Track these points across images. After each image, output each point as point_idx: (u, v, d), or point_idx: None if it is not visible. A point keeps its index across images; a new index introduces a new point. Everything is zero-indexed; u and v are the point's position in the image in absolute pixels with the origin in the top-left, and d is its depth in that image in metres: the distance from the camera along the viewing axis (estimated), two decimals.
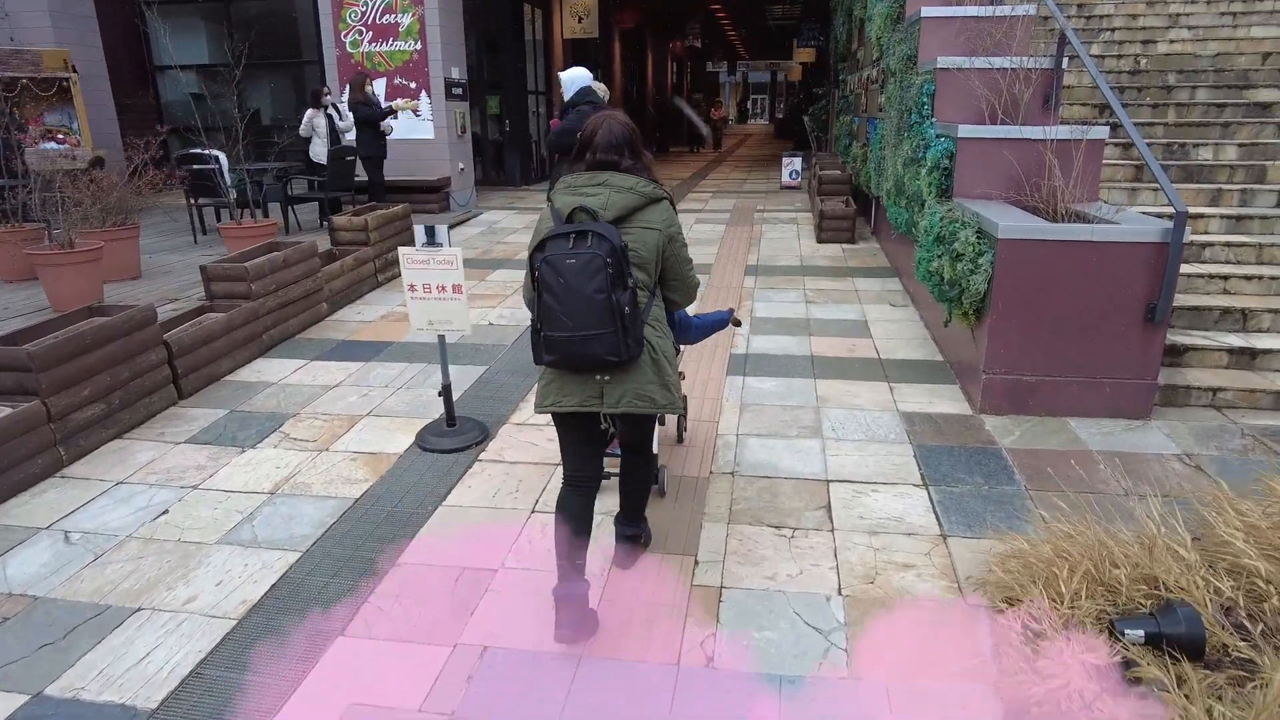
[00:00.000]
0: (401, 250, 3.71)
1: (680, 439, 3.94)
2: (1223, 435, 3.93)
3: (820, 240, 8.47)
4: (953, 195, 5.01)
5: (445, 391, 3.99)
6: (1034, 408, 4.15)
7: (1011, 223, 3.97)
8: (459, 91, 10.75)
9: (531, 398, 3.51)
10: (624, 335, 2.33)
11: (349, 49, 10.43)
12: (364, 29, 10.31)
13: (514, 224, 10.03)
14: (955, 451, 3.80)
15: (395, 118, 9.25)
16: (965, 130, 4.88)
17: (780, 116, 38.94)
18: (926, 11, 6.19)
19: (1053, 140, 4.54)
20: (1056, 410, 4.13)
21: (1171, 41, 7.64)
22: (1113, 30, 7.94)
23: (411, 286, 3.76)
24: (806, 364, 5.00)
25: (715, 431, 4.05)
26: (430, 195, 10.41)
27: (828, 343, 5.38)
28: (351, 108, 9.10)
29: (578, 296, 2.28)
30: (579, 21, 15.54)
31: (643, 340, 2.41)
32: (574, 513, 2.60)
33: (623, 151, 2.47)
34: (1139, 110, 6.66)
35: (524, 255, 6.01)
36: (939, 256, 4.61)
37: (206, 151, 7.78)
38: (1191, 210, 5.52)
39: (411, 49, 10.27)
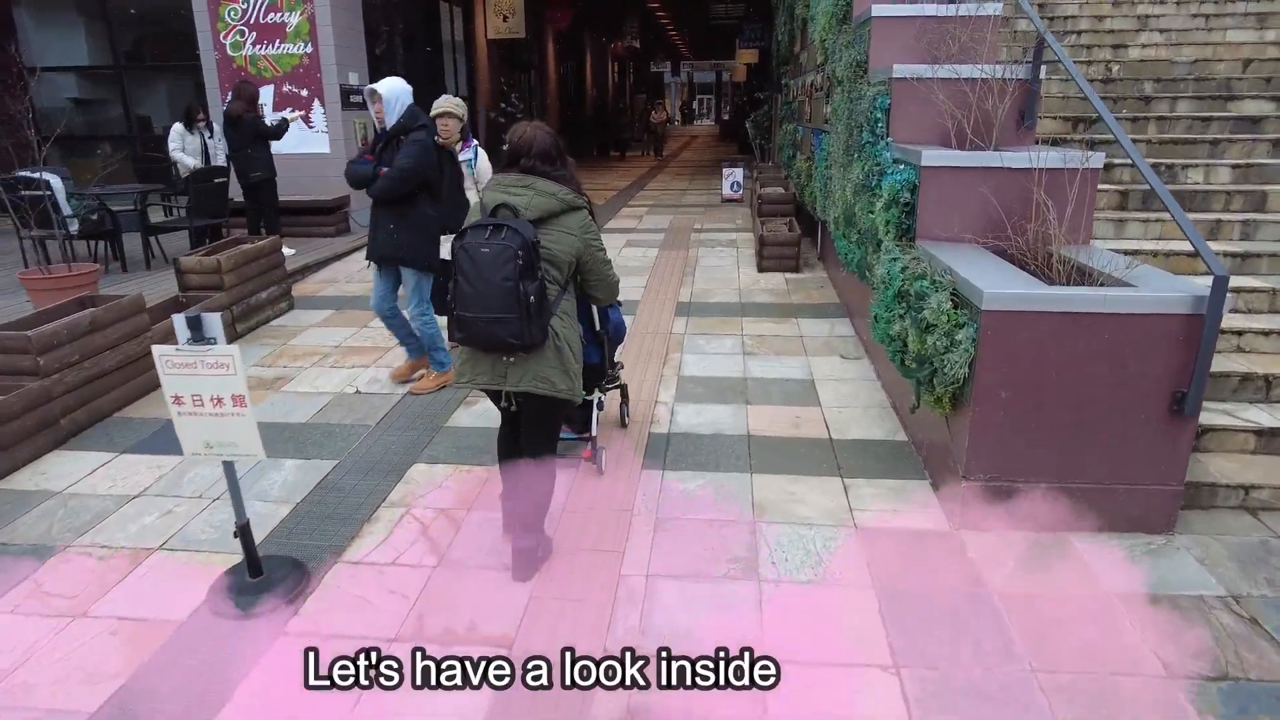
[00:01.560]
0: (156, 351, 2.59)
1: (624, 424, 4.23)
2: (1270, 560, 3.04)
3: (761, 269, 7.52)
4: (915, 236, 4.08)
5: (242, 533, 2.89)
6: (1028, 522, 3.21)
7: (999, 288, 3.03)
8: (359, 100, 9.56)
9: (385, 511, 3.43)
10: (528, 322, 2.53)
11: (229, 52, 9.17)
12: (246, 29, 9.06)
13: None
14: (932, 601, 2.83)
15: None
16: (931, 157, 3.95)
17: (725, 118, 38.19)
18: (878, 10, 5.26)
19: (1042, 170, 3.63)
20: (1056, 524, 3.20)
21: (1144, 46, 6.88)
22: (1079, 34, 7.15)
23: (176, 398, 2.65)
24: (742, 449, 4.01)
25: (619, 571, 3.03)
26: (325, 217, 9.20)
27: (768, 415, 4.40)
28: (235, 119, 7.84)
29: (488, 282, 2.49)
30: (504, 20, 14.42)
31: (548, 329, 2.64)
32: (510, 473, 2.92)
33: (551, 160, 2.71)
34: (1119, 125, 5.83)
35: None
36: (900, 317, 3.66)
37: (36, 174, 6.48)
38: (1190, 248, 4.69)
39: (302, 52, 9.05)
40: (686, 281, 7.27)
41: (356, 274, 7.80)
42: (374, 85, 4.43)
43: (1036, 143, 4.78)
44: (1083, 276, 3.30)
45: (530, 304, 2.52)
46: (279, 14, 8.96)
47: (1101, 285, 3.17)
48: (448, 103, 4.90)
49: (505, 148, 2.78)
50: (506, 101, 14.76)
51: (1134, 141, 5.60)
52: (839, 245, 5.58)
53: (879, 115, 4.76)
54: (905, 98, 4.65)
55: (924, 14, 5.11)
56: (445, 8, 13.26)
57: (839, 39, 6.26)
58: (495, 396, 2.84)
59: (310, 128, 9.27)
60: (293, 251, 8.31)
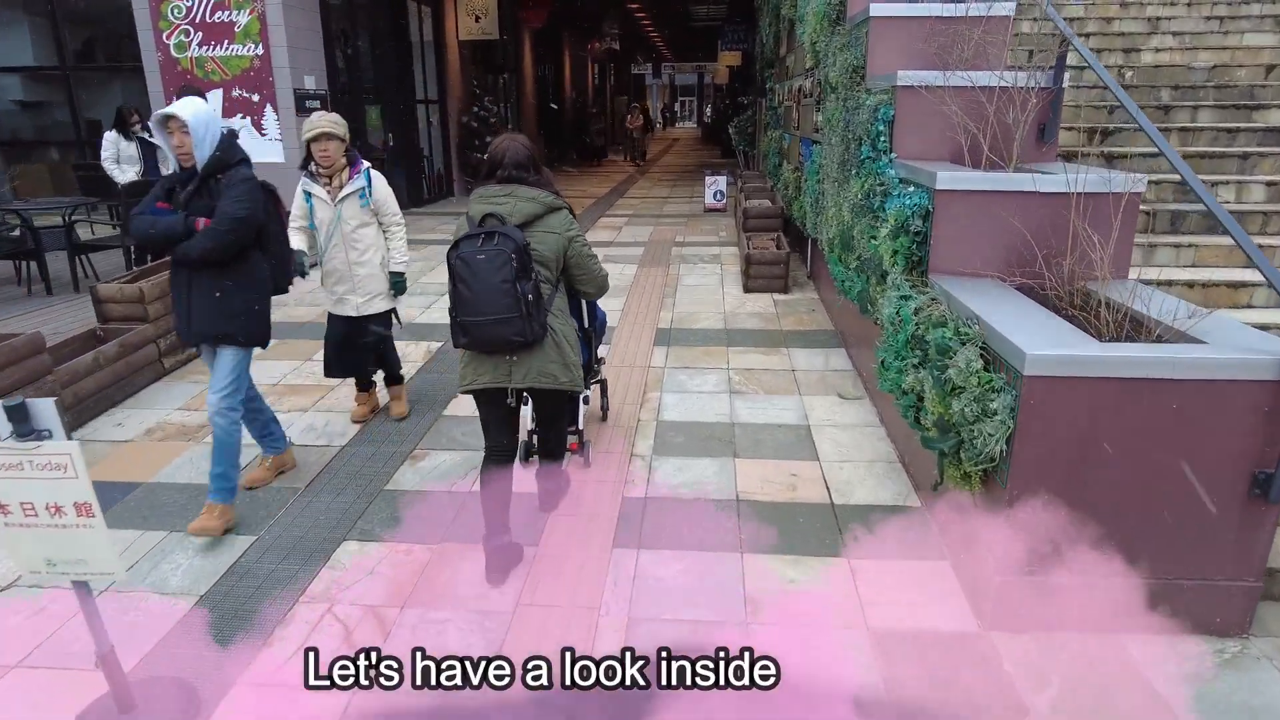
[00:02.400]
0: None
1: (604, 417, 4.44)
2: None
3: (748, 289, 6.98)
4: (928, 269, 3.54)
5: (104, 663, 2.29)
6: (1072, 620, 2.68)
7: (1044, 347, 2.48)
8: (315, 104, 8.92)
9: (303, 609, 2.92)
10: (528, 320, 2.72)
11: (174, 53, 8.51)
12: (191, 28, 8.41)
13: None
14: None
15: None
16: (948, 179, 3.41)
17: (708, 120, 37.70)
18: (877, 9, 4.73)
19: (1081, 195, 3.10)
20: (1105, 624, 2.67)
21: (1157, 50, 6.39)
22: (1086, 36, 6.66)
23: (3, 507, 2.05)
24: (730, 517, 3.45)
25: None
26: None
27: (759, 472, 3.84)
28: None
29: (487, 285, 2.67)
30: (476, 21, 13.80)
31: (546, 325, 2.83)
32: (493, 482, 3.01)
33: (527, 168, 2.90)
34: (1136, 136, 5.34)
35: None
36: (915, 368, 3.12)
37: None
38: (1232, 277, 4.19)
39: (252, 54, 8.41)
40: (667, 304, 6.71)
41: (308, 296, 7.17)
42: (171, 109, 3.20)
43: (1057, 159, 4.27)
44: (1137, 327, 2.77)
45: (529, 302, 2.70)
46: (226, 12, 8.31)
47: (1162, 340, 2.63)
48: (324, 121, 4.11)
49: (485, 158, 2.97)
50: (480, 105, 14.14)
51: (1156, 155, 5.10)
52: (835, 271, 5.04)
53: (881, 128, 4.23)
54: (912, 108, 4.12)
55: (929, 14, 4.58)
56: (414, 7, 12.62)
57: (831, 41, 5.73)
58: (491, 396, 2.96)
59: (262, 135, 8.62)
60: None
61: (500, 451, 3.08)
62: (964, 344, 2.79)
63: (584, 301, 3.47)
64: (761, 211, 7.75)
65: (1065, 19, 6.88)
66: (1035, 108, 3.73)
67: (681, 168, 21.30)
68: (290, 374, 5.29)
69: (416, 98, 13.08)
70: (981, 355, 2.70)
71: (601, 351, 5.52)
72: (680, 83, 58.99)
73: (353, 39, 12.23)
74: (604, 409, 4.47)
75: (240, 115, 8.57)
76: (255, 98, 8.52)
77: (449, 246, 2.78)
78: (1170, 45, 6.51)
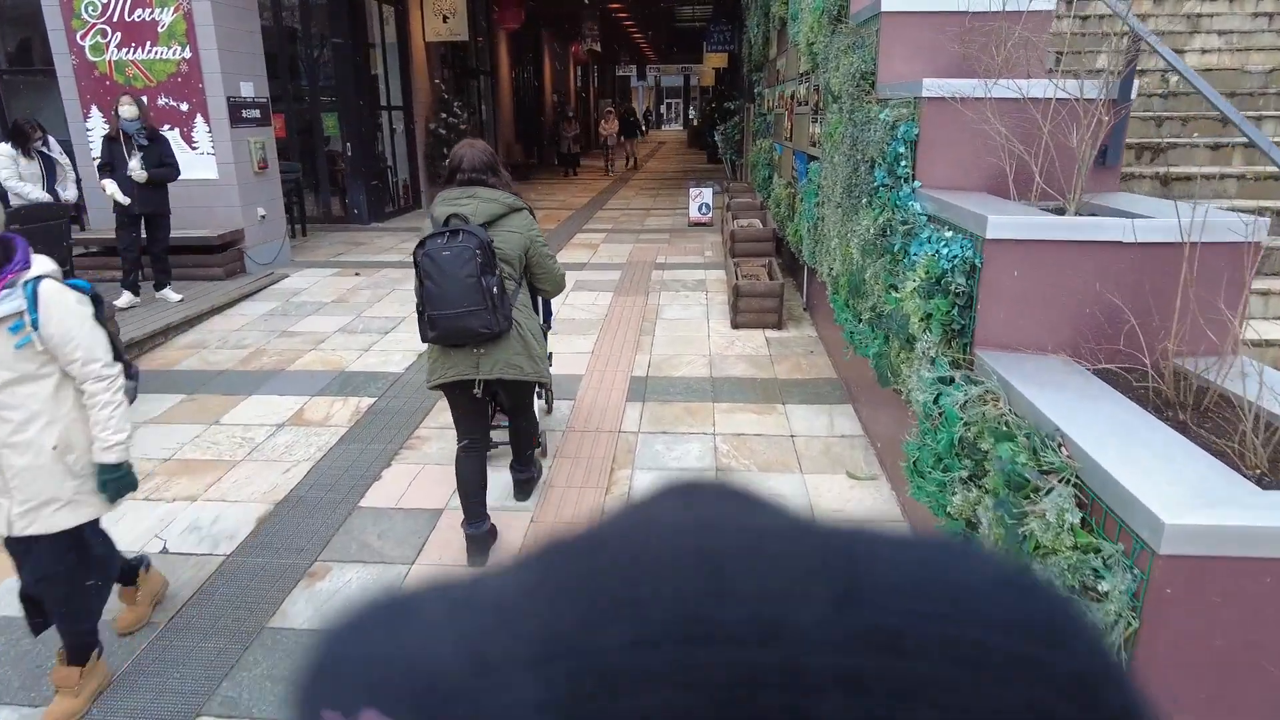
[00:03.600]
0: None
1: (549, 409, 4.57)
2: None
3: (736, 324, 6.12)
4: (973, 340, 2.69)
5: None
6: None
7: (1189, 512, 1.62)
8: (255, 114, 8.02)
9: None
10: (494, 312, 2.84)
11: (89, 56, 7.57)
12: (108, 28, 7.48)
13: (322, 295, 7.34)
14: None
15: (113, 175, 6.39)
16: (1003, 223, 2.55)
17: (694, 123, 36.90)
18: (890, 4, 3.90)
19: (1196, 244, 2.26)
20: None
21: (1203, 52, 5.60)
22: (1120, 36, 5.84)
23: None
24: None
25: None
26: (213, 257, 7.64)
27: None
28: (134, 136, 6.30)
29: (453, 279, 2.78)
30: (444, 21, 12.89)
31: (511, 319, 2.94)
32: (469, 473, 3.20)
33: (486, 171, 3.01)
34: (1192, 153, 4.54)
35: (312, 355, 5.72)
36: (965, 484, 2.28)
37: None
38: None
39: (178, 57, 7.49)
40: (644, 343, 5.85)
41: (234, 334, 6.27)
42: None
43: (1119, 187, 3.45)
44: None
45: (493, 295, 2.82)
46: (147, 10, 7.38)
47: None
48: None
49: (446, 163, 3.08)
50: (449, 112, 13.24)
51: (1219, 177, 4.31)
52: (841, 318, 4.20)
53: (901, 149, 3.39)
54: (941, 126, 3.29)
55: (954, 8, 3.75)
56: (374, 6, 11.71)
57: (832, 43, 4.89)
58: (461, 388, 3.06)
59: (193, 148, 7.70)
60: (179, 298, 6.79)
61: (473, 443, 3.22)
62: (1042, 472, 1.94)
63: (539, 299, 3.53)
64: (751, 235, 6.90)
65: (1092, 15, 6.08)
66: (1107, 126, 2.90)
67: (666, 174, 20.45)
68: (192, 442, 4.39)
69: (380, 104, 12.17)
70: (1076, 498, 1.86)
71: (565, 406, 4.70)
72: (666, 85, 58.25)
73: (305, 41, 11.31)
74: (548, 403, 4.59)
75: (167, 126, 7.64)
76: (184, 107, 7.59)
77: (415, 245, 2.92)
78: (1217, 46, 5.71)
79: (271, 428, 4.55)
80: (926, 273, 2.80)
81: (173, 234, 7.48)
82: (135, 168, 6.27)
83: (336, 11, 10.77)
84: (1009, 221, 2.54)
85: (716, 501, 0.30)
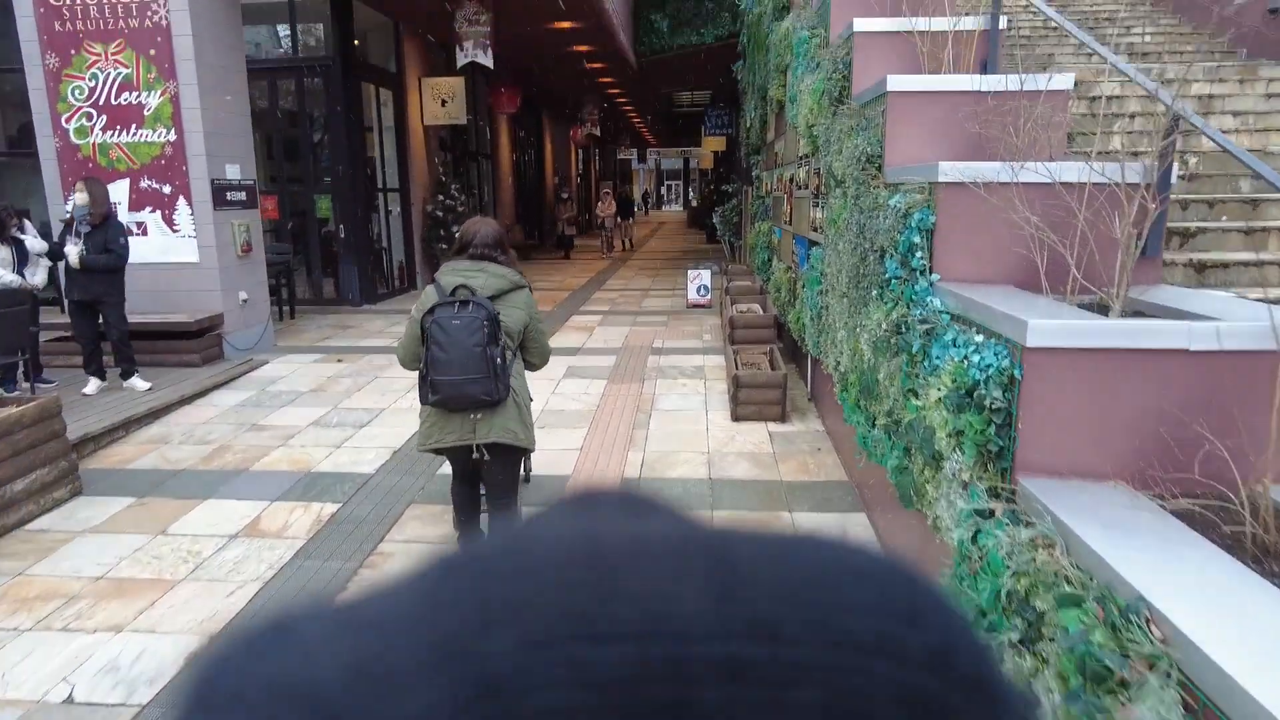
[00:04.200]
0: None
1: (527, 479, 4.52)
2: None
3: (737, 417, 5.72)
4: (1013, 465, 2.29)
5: None
6: None
7: None
8: (240, 196, 7.82)
9: None
10: (496, 380, 3.03)
11: (73, 139, 7.42)
12: (94, 111, 7.34)
13: (300, 383, 6.97)
14: None
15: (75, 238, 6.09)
16: (1046, 329, 2.17)
17: (694, 204, 37.35)
18: (896, 83, 3.64)
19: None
20: None
21: (1222, 132, 5.35)
22: (1130, 117, 5.64)
23: None
24: None
25: None
26: (189, 342, 7.31)
27: None
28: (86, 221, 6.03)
29: (461, 347, 2.97)
30: (442, 105, 12.94)
31: (510, 387, 3.12)
32: (466, 525, 3.53)
33: (496, 248, 3.20)
34: (1224, 238, 4.23)
35: (279, 452, 5.31)
36: (1015, 646, 1.84)
37: None
38: None
39: (163, 140, 7.33)
40: (638, 438, 5.44)
41: (200, 427, 5.88)
42: None
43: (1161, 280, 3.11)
44: None
45: (496, 365, 3.03)
46: (134, 93, 7.25)
47: None
48: None
49: (457, 236, 3.29)
50: (446, 194, 13.16)
51: (1259, 264, 3.98)
52: (852, 418, 3.80)
53: (916, 239, 3.06)
54: (960, 213, 2.96)
55: (967, 88, 3.49)
56: (370, 90, 11.74)
57: (834, 125, 4.65)
58: (461, 457, 3.26)
59: (174, 231, 7.46)
60: (148, 385, 6.42)
61: (467, 501, 3.50)
62: (1125, 656, 1.51)
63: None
64: (751, 321, 6.57)
65: (1098, 96, 5.89)
66: (1154, 213, 2.56)
67: (665, 254, 20.41)
68: (129, 558, 3.93)
69: (377, 185, 12.09)
70: (1181, 699, 1.42)
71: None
72: (666, 167, 59.48)
73: (303, 123, 11.29)
74: (526, 472, 4.55)
75: (149, 209, 7.43)
76: (166, 189, 7.39)
77: (424, 312, 3.05)
78: (1234, 127, 5.49)
79: (223, 539, 4.10)
80: (954, 382, 2.42)
81: (148, 319, 7.19)
82: (71, 254, 5.98)
83: (331, 95, 10.75)
84: (1053, 327, 2.16)
85: (607, 509, 0.33)
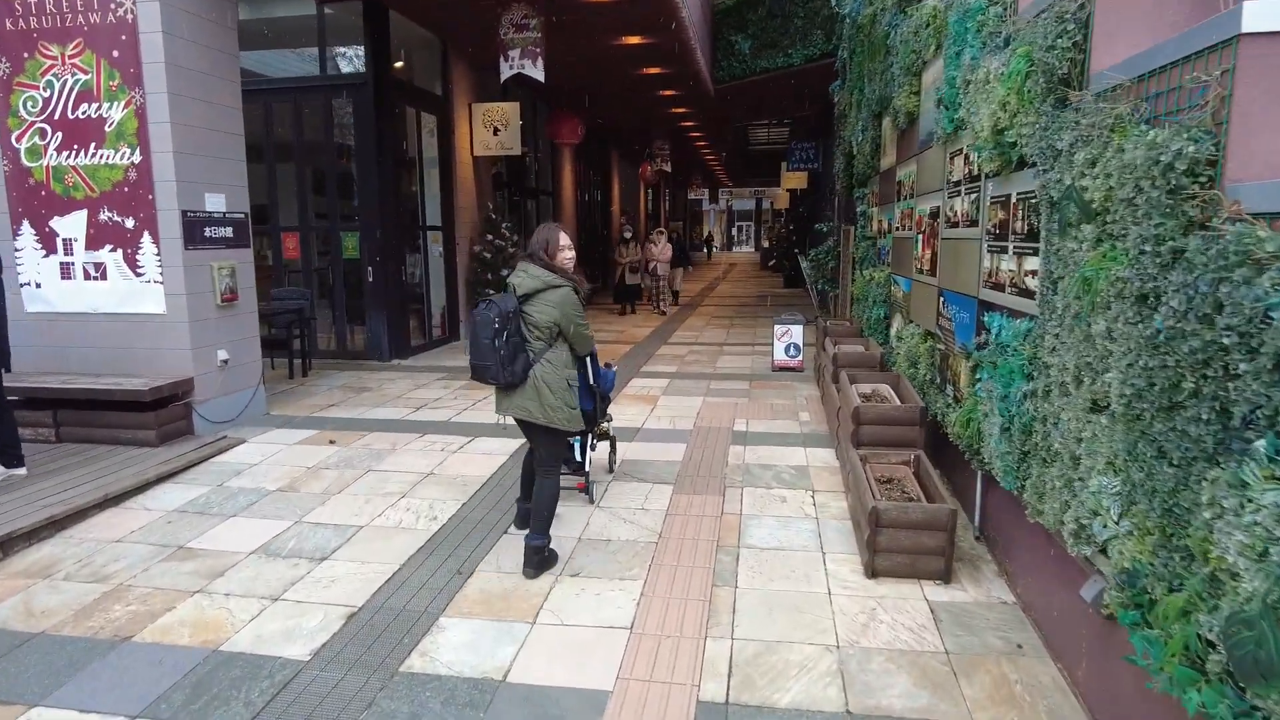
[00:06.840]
0: None
1: (611, 469, 5.24)
2: None
3: (874, 571, 3.76)
4: None
5: None
6: None
7: None
8: (224, 233, 6.30)
9: None
10: (501, 367, 3.60)
11: (24, 160, 6.03)
12: (48, 127, 5.94)
13: (270, 477, 5.28)
14: None
15: None
16: None
17: (766, 245, 35.44)
18: (1252, 22, 1.74)
19: None
20: None
21: None
22: None
23: None
24: None
25: None
26: (144, 415, 5.74)
27: None
28: None
29: (479, 337, 3.61)
30: (495, 134, 11.46)
31: (525, 373, 3.67)
32: (526, 469, 4.28)
33: (536, 251, 3.80)
34: None
35: (186, 607, 3.70)
36: None
37: None
38: None
39: (126, 162, 5.87)
40: (720, 608, 3.52)
41: (107, 549, 4.21)
42: None
43: None
44: None
45: (502, 354, 3.59)
46: (94, 105, 5.83)
47: None
48: None
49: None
50: (496, 233, 11.60)
51: None
52: (1191, 701, 1.85)
53: None
54: None
55: None
56: (413, 115, 10.32)
57: (1060, 124, 2.75)
58: (522, 424, 3.85)
59: (138, 275, 5.96)
60: (24, 473, 4.88)
61: (527, 468, 4.25)
62: None
63: (588, 361, 4.30)
64: (883, 415, 4.59)
65: None
66: None
67: (740, 299, 18.54)
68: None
69: (417, 222, 10.63)
70: None
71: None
72: (737, 209, 57.89)
73: (329, 151, 9.90)
74: (612, 463, 5.25)
75: (109, 247, 5.96)
76: (129, 223, 5.91)
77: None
78: None
79: None
80: None
81: (91, 385, 5.67)
82: None
83: (363, 117, 9.34)
84: None
85: None
